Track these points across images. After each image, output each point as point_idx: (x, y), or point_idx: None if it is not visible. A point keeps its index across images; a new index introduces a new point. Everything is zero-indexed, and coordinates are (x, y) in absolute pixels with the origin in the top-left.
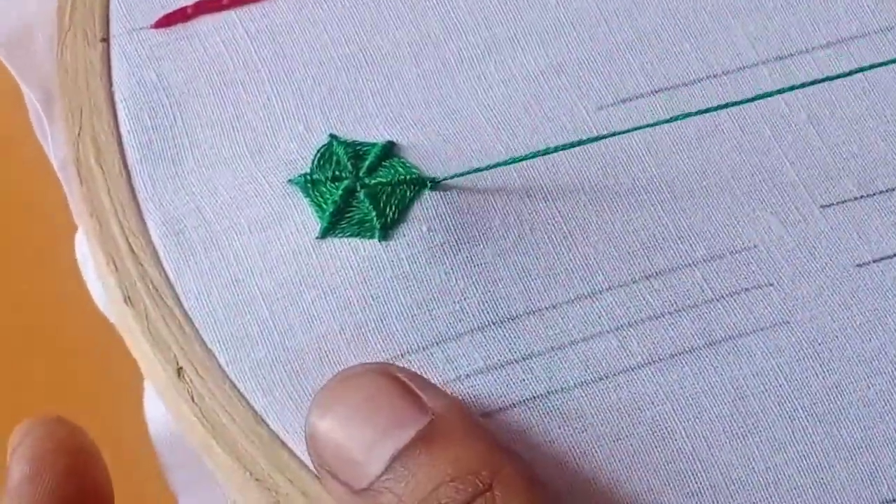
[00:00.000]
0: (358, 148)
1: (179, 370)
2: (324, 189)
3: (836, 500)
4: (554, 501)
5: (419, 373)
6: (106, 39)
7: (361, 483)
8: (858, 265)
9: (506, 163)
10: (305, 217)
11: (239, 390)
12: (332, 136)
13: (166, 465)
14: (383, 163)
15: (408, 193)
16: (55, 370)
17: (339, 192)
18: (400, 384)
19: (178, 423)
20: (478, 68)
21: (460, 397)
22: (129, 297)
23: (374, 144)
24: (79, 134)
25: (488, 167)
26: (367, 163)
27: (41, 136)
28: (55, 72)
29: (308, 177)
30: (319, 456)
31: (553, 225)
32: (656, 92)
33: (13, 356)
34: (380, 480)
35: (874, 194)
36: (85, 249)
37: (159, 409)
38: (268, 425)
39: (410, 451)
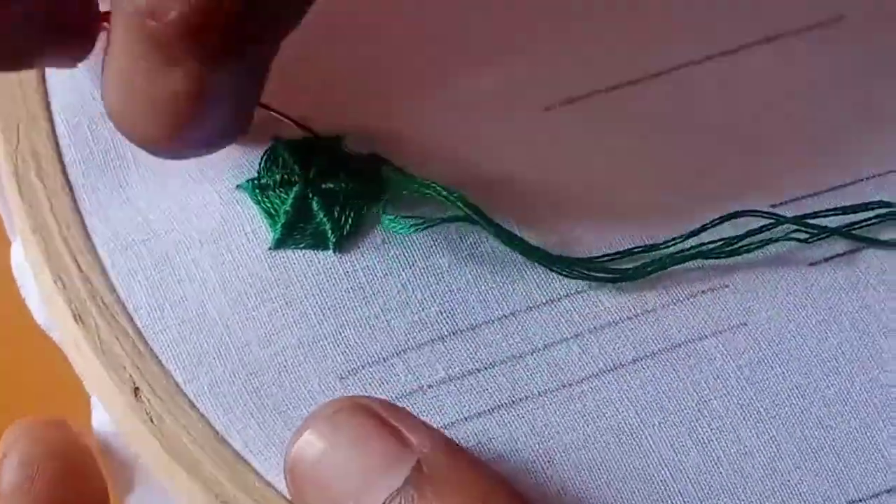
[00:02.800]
0: (304, 146)
1: (136, 390)
2: (272, 194)
3: (805, 501)
4: None
5: (381, 384)
6: None
7: None
8: (811, 264)
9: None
10: (256, 226)
11: (198, 409)
12: (276, 138)
13: (120, 484)
14: (333, 164)
15: (362, 204)
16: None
17: (290, 199)
18: (381, 420)
19: (135, 444)
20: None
21: (423, 408)
22: (79, 316)
23: (320, 141)
24: (16, 147)
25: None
26: (315, 162)
27: None
28: None
29: (255, 182)
30: (302, 496)
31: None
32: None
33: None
34: None
35: (820, 192)
36: (22, 264)
37: (108, 429)
38: (230, 445)
39: (404, 496)
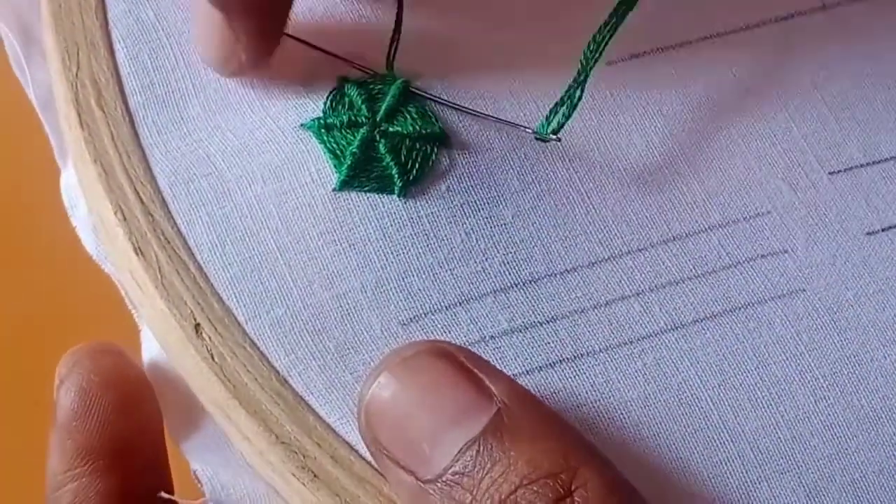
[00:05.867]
0: (371, 88)
1: (197, 326)
2: (339, 135)
3: (861, 469)
4: (636, 498)
5: (443, 332)
6: None
7: (428, 473)
8: (868, 233)
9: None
10: (321, 165)
11: (259, 349)
12: (343, 78)
13: (169, 415)
14: (401, 107)
15: (429, 150)
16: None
17: (357, 142)
18: (461, 367)
19: (192, 381)
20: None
21: (486, 358)
22: (139, 249)
23: (389, 84)
24: (76, 73)
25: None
26: (384, 105)
27: (19, 73)
28: (33, 7)
29: (321, 121)
30: (375, 437)
31: (570, 186)
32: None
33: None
34: (449, 473)
35: (879, 161)
36: (75, 194)
37: (156, 354)
38: (291, 386)
39: (482, 444)
